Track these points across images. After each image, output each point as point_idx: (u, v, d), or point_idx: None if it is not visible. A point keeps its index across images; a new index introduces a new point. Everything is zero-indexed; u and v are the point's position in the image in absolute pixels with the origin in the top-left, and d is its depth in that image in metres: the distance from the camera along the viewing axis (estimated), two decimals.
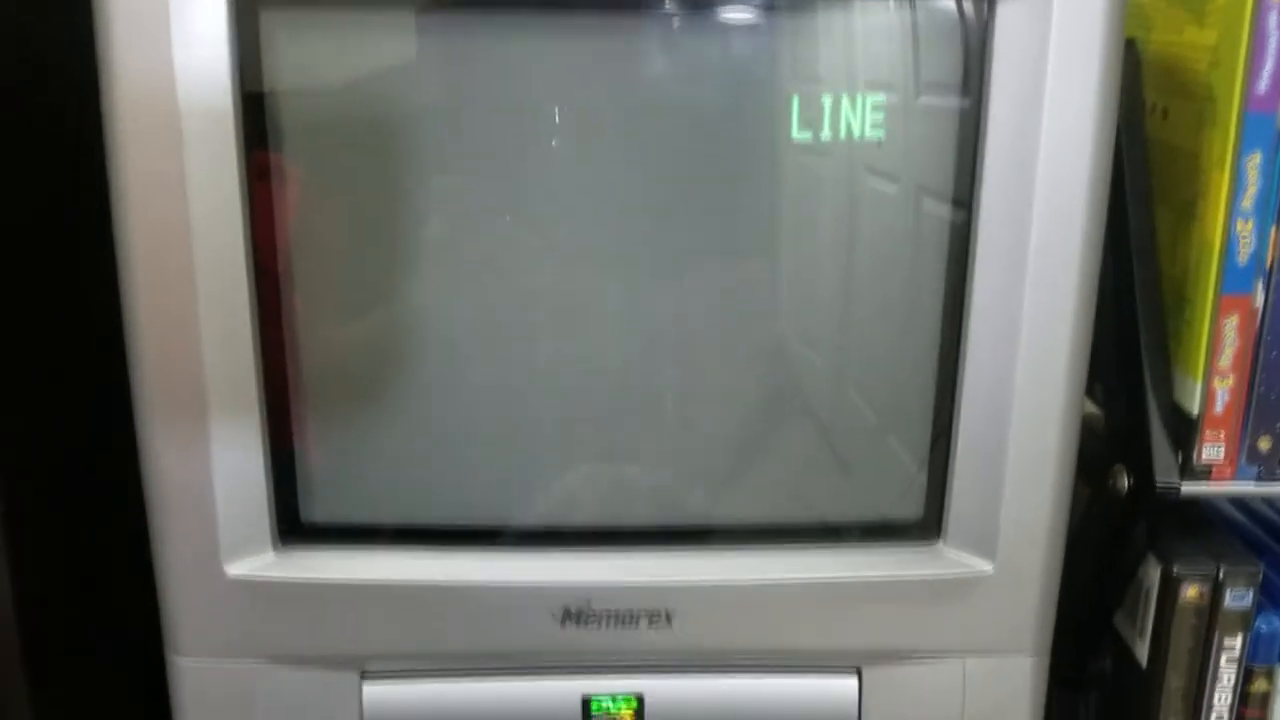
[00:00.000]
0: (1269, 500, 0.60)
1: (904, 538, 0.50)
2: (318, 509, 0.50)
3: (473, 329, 0.50)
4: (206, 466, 0.47)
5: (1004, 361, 0.47)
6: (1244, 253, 0.51)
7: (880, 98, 0.46)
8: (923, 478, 0.50)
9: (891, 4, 0.47)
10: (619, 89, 0.48)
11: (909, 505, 0.50)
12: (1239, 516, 0.61)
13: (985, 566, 0.49)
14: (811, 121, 0.46)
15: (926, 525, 0.50)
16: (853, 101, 0.46)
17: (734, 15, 0.47)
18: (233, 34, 0.43)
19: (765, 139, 0.48)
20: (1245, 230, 0.51)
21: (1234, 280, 0.51)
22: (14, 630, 0.50)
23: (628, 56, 0.47)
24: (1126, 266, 0.55)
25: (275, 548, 0.49)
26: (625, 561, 0.50)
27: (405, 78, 0.46)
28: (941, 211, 0.48)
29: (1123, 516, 0.57)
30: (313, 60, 0.46)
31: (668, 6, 0.47)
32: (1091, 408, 0.61)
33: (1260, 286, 0.51)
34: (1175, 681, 0.56)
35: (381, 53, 0.46)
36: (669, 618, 0.50)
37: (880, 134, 0.47)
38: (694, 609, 0.49)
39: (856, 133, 0.47)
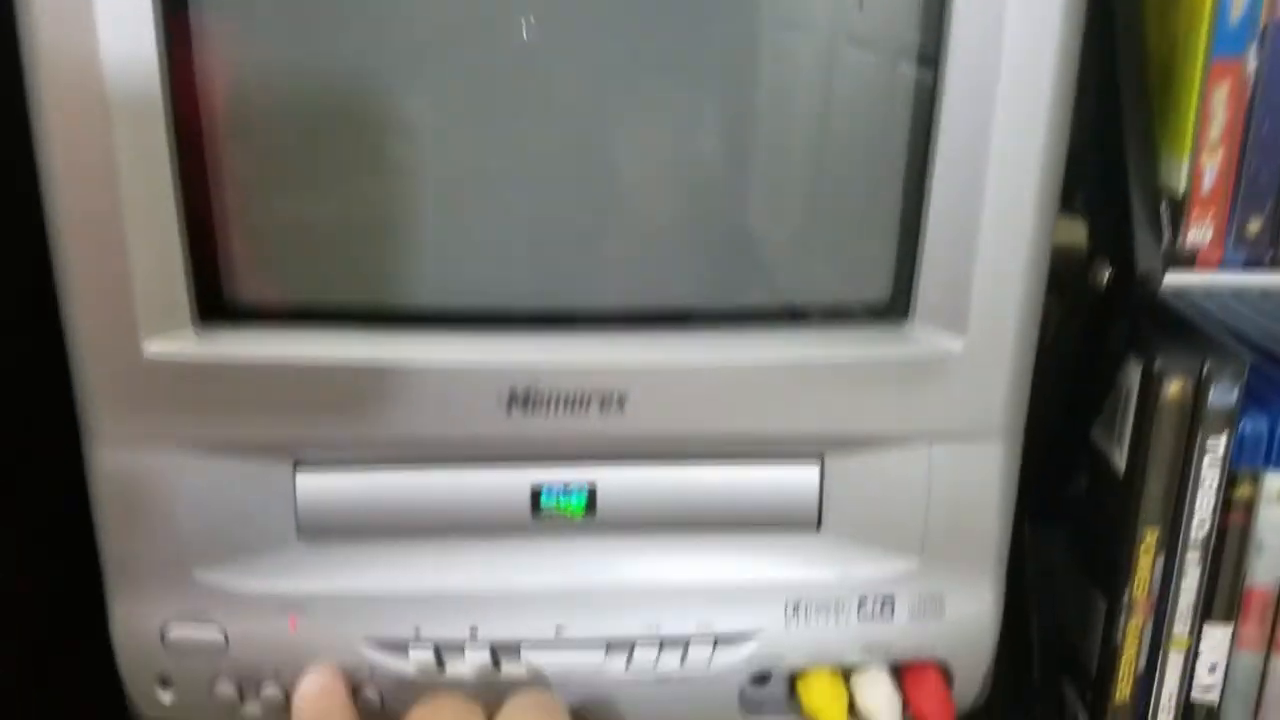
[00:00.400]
0: (1255, 301, 0.58)
1: (870, 318, 0.47)
2: (241, 287, 0.46)
3: (412, 92, 0.46)
4: (120, 237, 0.43)
5: (978, 133, 0.44)
6: (1237, 11, 0.48)
7: None
8: (891, 255, 0.47)
9: None
10: None
11: (876, 284, 0.47)
12: (1223, 321, 0.58)
13: (955, 344, 0.46)
14: None
15: (894, 305, 0.47)
16: None
17: None
18: None
19: None
20: None
21: (1225, 43, 0.48)
22: None
23: None
24: (1109, 42, 0.52)
25: (196, 327, 0.45)
26: (575, 342, 0.46)
27: None
28: None
29: (1102, 317, 0.55)
30: None
31: None
32: (1069, 232, 0.58)
33: (1253, 50, 0.48)
34: (1155, 486, 0.53)
35: None
36: (622, 401, 0.46)
37: None
38: (649, 392, 0.46)
39: None
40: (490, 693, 0.46)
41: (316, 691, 0.46)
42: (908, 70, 0.45)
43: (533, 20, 0.45)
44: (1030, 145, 0.44)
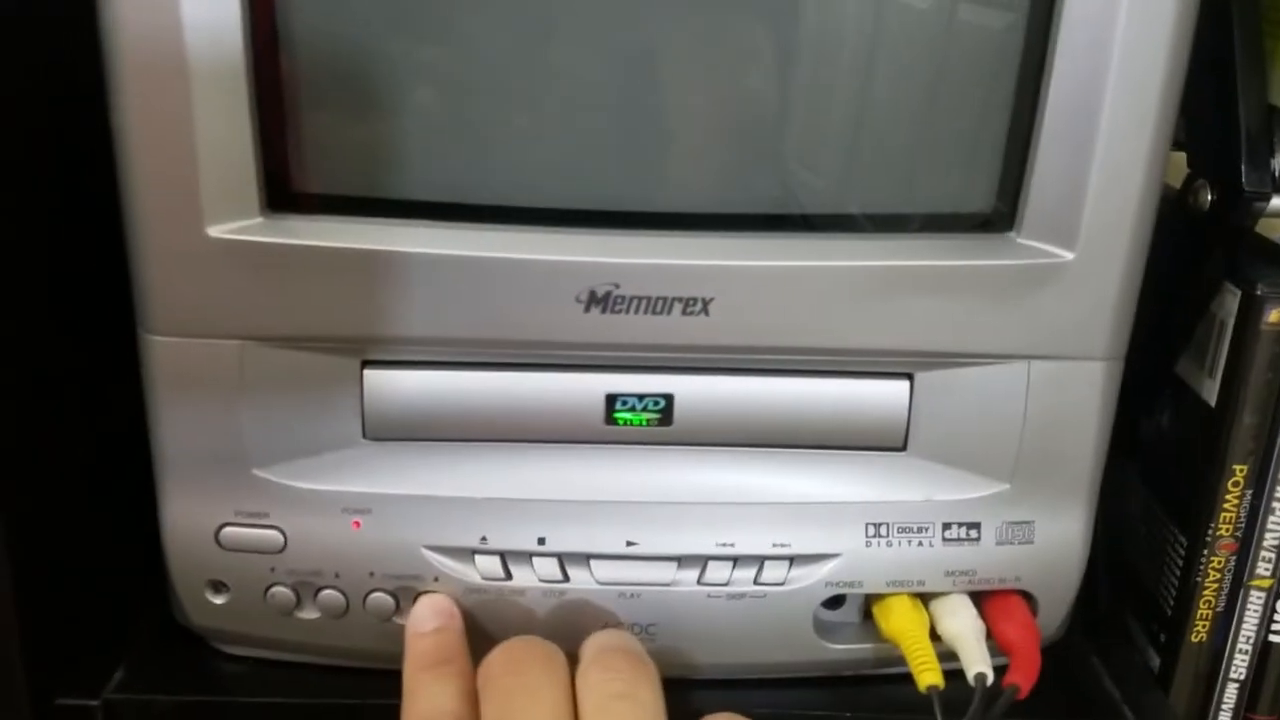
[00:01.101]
0: None
1: (976, 227, 0.45)
2: (312, 177, 0.44)
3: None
4: (188, 120, 0.41)
5: (1099, 46, 0.41)
6: None
7: None
8: (998, 164, 0.44)
9: None
10: None
11: (983, 193, 0.45)
12: None
13: (1065, 255, 0.44)
14: None
15: (1001, 215, 0.44)
16: None
17: None
18: None
19: None
20: None
21: None
22: None
23: None
24: None
25: (264, 212, 0.43)
26: (660, 243, 0.44)
27: None
28: None
29: (1198, 242, 0.53)
30: None
31: None
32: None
33: None
34: (1249, 419, 0.51)
35: None
36: (705, 306, 0.44)
37: None
38: (735, 296, 0.44)
39: None
40: (564, 630, 0.45)
41: (435, 621, 0.45)
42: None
43: None
44: (1152, 57, 0.42)
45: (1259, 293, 0.50)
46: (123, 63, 0.41)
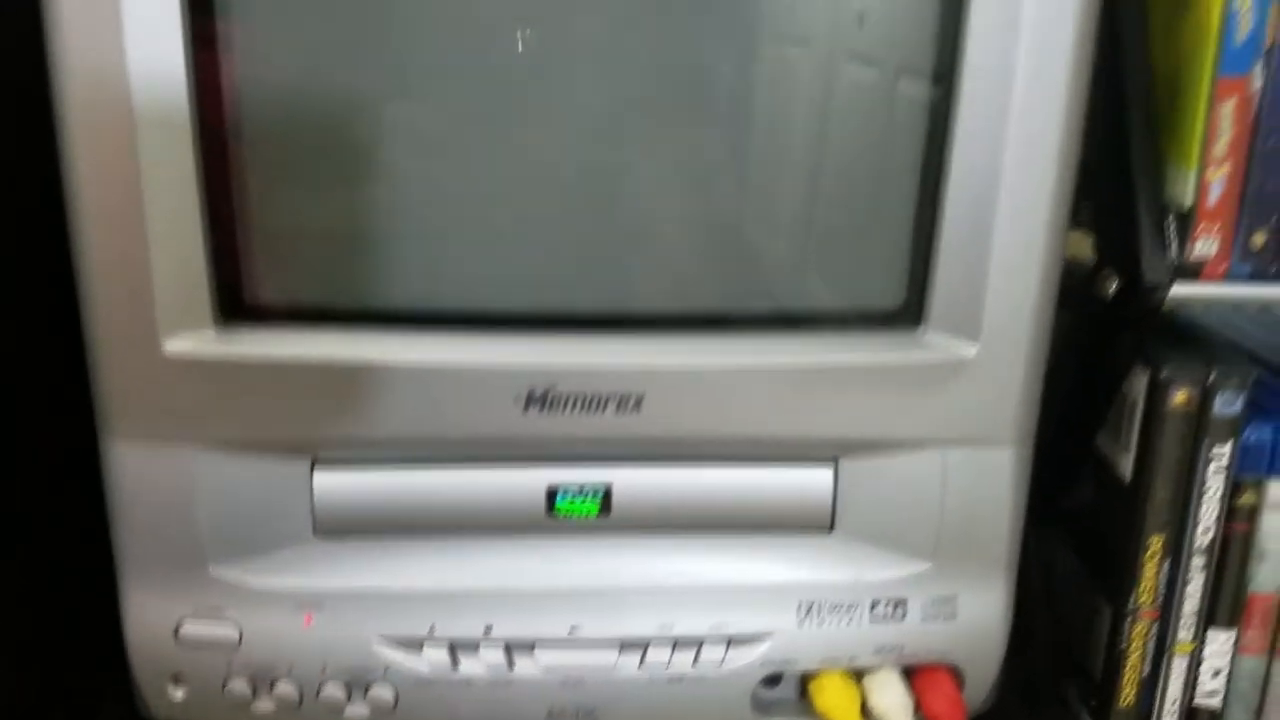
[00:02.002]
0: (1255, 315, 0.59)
1: (884, 324, 0.48)
2: (261, 287, 0.47)
3: (428, 103, 0.46)
4: (142, 236, 0.44)
5: (993, 145, 0.45)
6: (1242, 32, 0.49)
7: None
8: (904, 263, 0.48)
9: None
10: None
11: (890, 291, 0.48)
12: (1226, 332, 0.59)
13: (968, 351, 0.47)
14: None
15: (908, 311, 0.48)
16: None
17: None
18: None
19: None
20: (1245, 6, 0.49)
21: (1231, 61, 0.49)
22: None
23: None
24: (1119, 58, 0.53)
25: (217, 325, 0.46)
26: (593, 344, 0.47)
27: None
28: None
29: (1109, 328, 0.56)
30: None
31: None
32: (1078, 244, 0.59)
33: (1259, 68, 0.49)
34: (1161, 494, 0.54)
35: None
36: (638, 403, 0.47)
37: None
38: (665, 393, 0.47)
39: None
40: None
41: None
42: (922, 84, 0.46)
43: (531, 33, 0.46)
44: (1044, 156, 0.45)
45: (1164, 376, 0.53)
46: (78, 170, 0.43)
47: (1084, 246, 0.59)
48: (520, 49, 0.46)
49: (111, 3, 0.41)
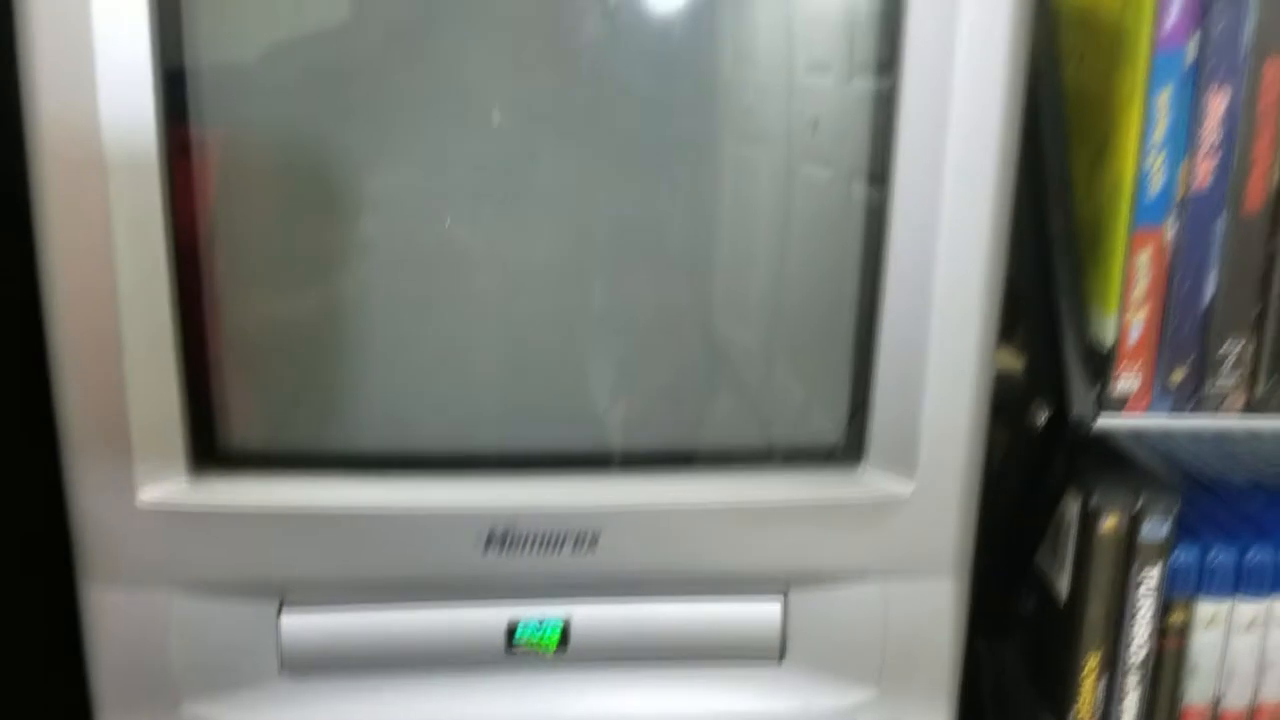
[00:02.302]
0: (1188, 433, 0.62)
1: (826, 461, 0.51)
2: (233, 435, 0.49)
3: (390, 257, 0.49)
4: (120, 391, 0.46)
5: (922, 289, 0.48)
6: (1155, 186, 0.52)
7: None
8: (844, 404, 0.51)
9: None
10: (550, 70, 0.48)
11: (830, 430, 0.51)
12: (1157, 451, 0.62)
13: (905, 489, 0.50)
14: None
15: (848, 449, 0.51)
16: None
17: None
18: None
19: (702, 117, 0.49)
20: (1156, 164, 0.52)
21: (1146, 213, 0.53)
22: None
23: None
24: (1043, 208, 0.56)
25: (189, 474, 0.48)
26: (549, 485, 0.50)
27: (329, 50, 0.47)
28: (861, 150, 0.49)
29: (1042, 452, 0.58)
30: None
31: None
32: (1012, 360, 0.62)
33: (1172, 219, 0.53)
34: (1095, 613, 0.57)
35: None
36: (594, 541, 0.49)
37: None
38: (619, 532, 0.49)
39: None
40: None
41: None
42: (852, 245, 0.49)
43: (490, 189, 0.49)
44: (968, 311, 0.49)
45: (1094, 503, 0.56)
46: (60, 328, 0.46)
47: (1020, 362, 0.63)
48: (477, 206, 0.49)
49: (100, 189, 0.44)
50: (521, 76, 0.48)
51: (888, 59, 0.47)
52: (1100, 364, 0.54)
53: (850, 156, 0.49)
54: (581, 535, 0.49)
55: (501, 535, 0.49)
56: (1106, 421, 0.55)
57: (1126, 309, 0.53)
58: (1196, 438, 0.62)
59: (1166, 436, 0.63)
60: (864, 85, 0.48)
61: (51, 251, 0.45)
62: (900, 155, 0.47)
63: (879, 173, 0.48)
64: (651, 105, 0.49)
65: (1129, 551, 0.56)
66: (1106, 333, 0.54)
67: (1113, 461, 0.59)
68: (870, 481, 0.50)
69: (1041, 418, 0.56)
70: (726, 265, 0.51)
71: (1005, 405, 0.58)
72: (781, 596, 0.51)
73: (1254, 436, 0.59)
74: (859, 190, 0.49)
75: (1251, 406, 0.54)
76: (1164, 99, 0.52)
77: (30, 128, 0.44)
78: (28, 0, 0.42)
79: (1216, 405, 0.54)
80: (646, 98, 0.49)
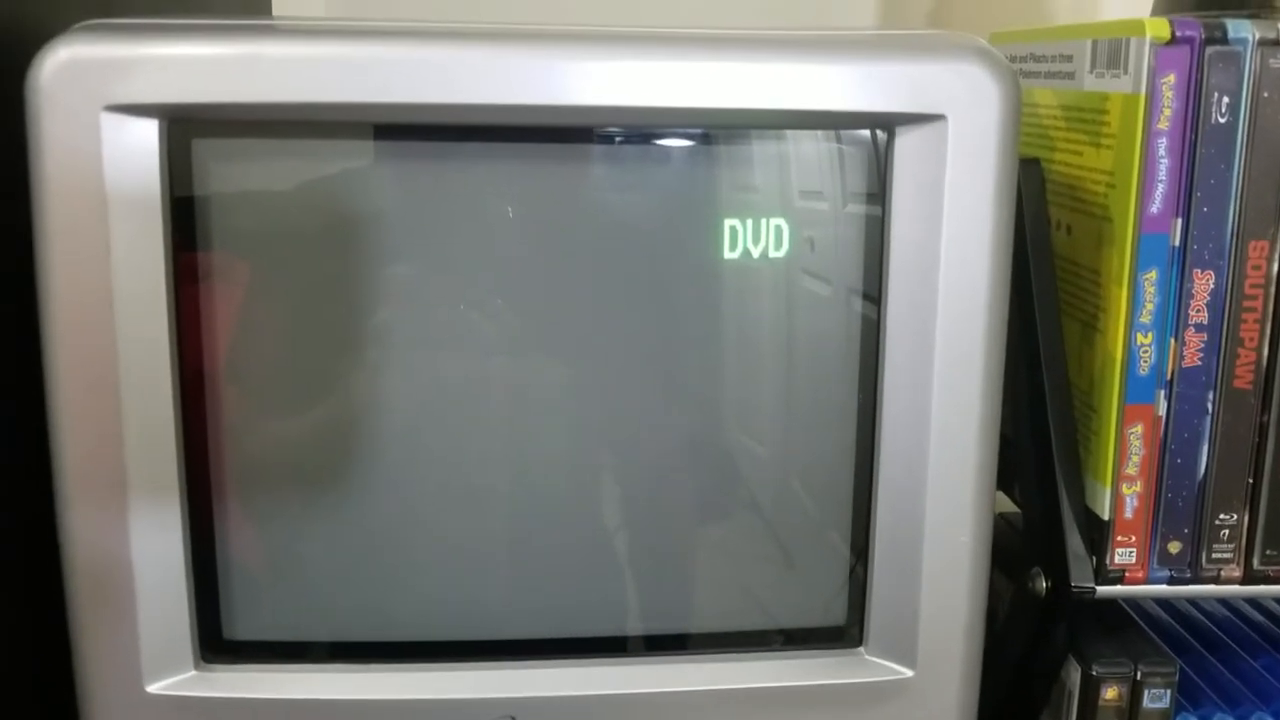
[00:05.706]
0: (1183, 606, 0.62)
1: (827, 645, 0.51)
2: (240, 626, 0.50)
3: (400, 451, 0.50)
4: (129, 583, 0.47)
5: (915, 473, 0.49)
6: (1145, 364, 0.54)
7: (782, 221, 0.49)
8: (843, 587, 0.51)
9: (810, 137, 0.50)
10: (557, 211, 0.50)
11: (831, 614, 0.51)
12: (1160, 613, 0.62)
13: (906, 672, 0.50)
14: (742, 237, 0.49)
15: (849, 632, 0.51)
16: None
17: (672, 144, 0.50)
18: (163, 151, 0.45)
19: (702, 252, 0.50)
20: (1145, 343, 0.53)
21: (1136, 391, 0.54)
22: None
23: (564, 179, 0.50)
24: (1038, 376, 0.57)
25: (197, 665, 0.49)
26: (556, 672, 0.50)
27: (339, 195, 0.48)
28: (851, 319, 0.50)
29: (1043, 617, 0.59)
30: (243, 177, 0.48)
31: (610, 140, 0.49)
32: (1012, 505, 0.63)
33: (1162, 396, 0.54)
34: None
35: (310, 175, 0.48)
36: None
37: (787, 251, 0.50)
38: (618, 717, 0.50)
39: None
40: None
41: None
42: (845, 434, 0.50)
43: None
44: (963, 484, 0.49)
45: (1094, 673, 0.56)
46: (72, 528, 0.47)
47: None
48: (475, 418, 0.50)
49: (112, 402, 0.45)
50: (519, 264, 0.50)
51: (874, 278, 0.48)
52: (1098, 535, 0.55)
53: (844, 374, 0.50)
54: None
55: None
56: (1106, 591, 0.55)
57: (1121, 482, 0.54)
58: (1194, 608, 0.63)
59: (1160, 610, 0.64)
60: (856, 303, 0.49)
61: (68, 476, 0.46)
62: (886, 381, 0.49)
63: (870, 359, 0.49)
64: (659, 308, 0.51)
65: None
66: (1102, 505, 0.54)
67: (1115, 626, 0.59)
68: (871, 665, 0.50)
69: (1042, 585, 0.57)
70: (733, 462, 0.52)
71: (1007, 555, 0.59)
72: None
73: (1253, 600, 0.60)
74: (847, 383, 0.50)
75: (1249, 579, 0.55)
76: (1150, 280, 0.53)
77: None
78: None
79: (1214, 576, 0.55)
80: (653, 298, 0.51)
